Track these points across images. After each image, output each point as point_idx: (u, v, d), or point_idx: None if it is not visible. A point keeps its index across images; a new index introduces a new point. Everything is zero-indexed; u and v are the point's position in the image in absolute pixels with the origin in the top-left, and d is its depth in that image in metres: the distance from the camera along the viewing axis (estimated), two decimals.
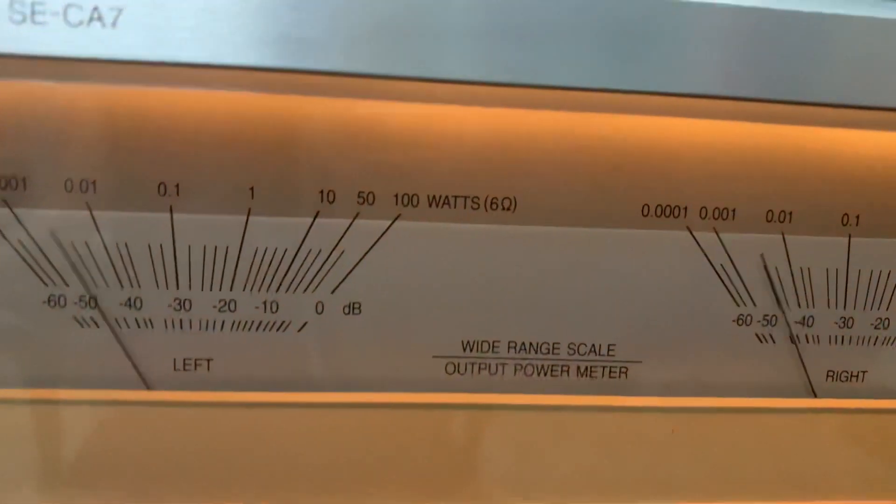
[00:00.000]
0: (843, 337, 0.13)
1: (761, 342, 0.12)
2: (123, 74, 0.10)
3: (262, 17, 0.09)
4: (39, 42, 0.09)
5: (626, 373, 0.12)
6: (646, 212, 0.12)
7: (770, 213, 0.12)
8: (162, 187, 0.11)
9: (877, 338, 0.13)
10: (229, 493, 0.11)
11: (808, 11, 0.10)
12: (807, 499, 0.13)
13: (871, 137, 0.12)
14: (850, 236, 0.12)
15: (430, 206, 0.11)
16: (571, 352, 0.12)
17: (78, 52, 0.09)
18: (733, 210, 0.12)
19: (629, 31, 0.10)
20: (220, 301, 0.11)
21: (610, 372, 0.12)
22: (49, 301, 0.11)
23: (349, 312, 0.11)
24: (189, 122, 0.11)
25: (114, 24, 0.09)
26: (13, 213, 0.11)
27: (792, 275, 0.12)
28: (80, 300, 0.11)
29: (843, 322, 0.13)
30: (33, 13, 0.09)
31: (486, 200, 0.11)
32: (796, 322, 0.12)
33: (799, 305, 0.12)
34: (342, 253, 0.11)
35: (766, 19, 0.10)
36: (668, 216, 0.12)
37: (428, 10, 0.09)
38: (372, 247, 0.11)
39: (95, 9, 0.09)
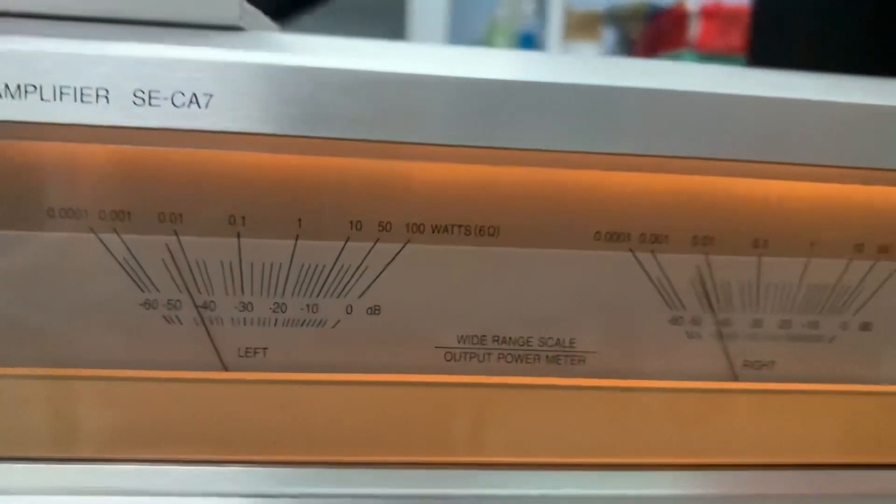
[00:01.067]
0: (755, 334, 0.16)
1: (691, 338, 0.16)
2: (210, 142, 0.13)
3: (312, 105, 0.13)
4: (154, 118, 0.13)
5: (583, 360, 0.16)
6: (598, 237, 0.15)
7: (696, 238, 0.15)
8: (232, 219, 0.14)
9: (782, 335, 0.16)
10: (280, 446, 0.15)
11: (718, 93, 0.14)
12: (727, 455, 0.16)
13: (775, 184, 0.15)
14: (759, 256, 0.16)
15: (433, 232, 0.15)
16: (542, 344, 0.15)
17: (181, 125, 0.13)
18: (666, 236, 0.15)
19: (587, 111, 0.13)
20: (273, 304, 0.15)
21: (571, 360, 0.16)
22: (144, 304, 0.15)
23: (371, 313, 0.15)
24: (252, 170, 0.14)
25: (207, 105, 0.13)
26: (120, 238, 0.14)
27: (715, 286, 0.16)
28: (171, 304, 0.14)
29: (756, 323, 0.16)
30: (150, 98, 0.13)
31: (475, 228, 0.15)
32: (720, 322, 0.16)
33: (720, 309, 0.16)
34: (366, 268, 0.15)
35: (680, 100, 0.13)
36: (616, 241, 0.15)
37: (415, 99, 0.13)
38: (388, 264, 0.15)
39: (194, 94, 0.13)
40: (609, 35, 2.10)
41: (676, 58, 1.91)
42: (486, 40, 1.91)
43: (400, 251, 0.15)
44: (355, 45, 0.15)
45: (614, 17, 2.06)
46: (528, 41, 1.89)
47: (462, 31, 2.10)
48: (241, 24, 0.15)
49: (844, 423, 0.17)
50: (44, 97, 0.12)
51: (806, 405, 0.17)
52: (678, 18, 1.94)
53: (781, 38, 0.40)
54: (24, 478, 0.14)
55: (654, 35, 2.04)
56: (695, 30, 1.87)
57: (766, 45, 0.43)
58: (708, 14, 1.85)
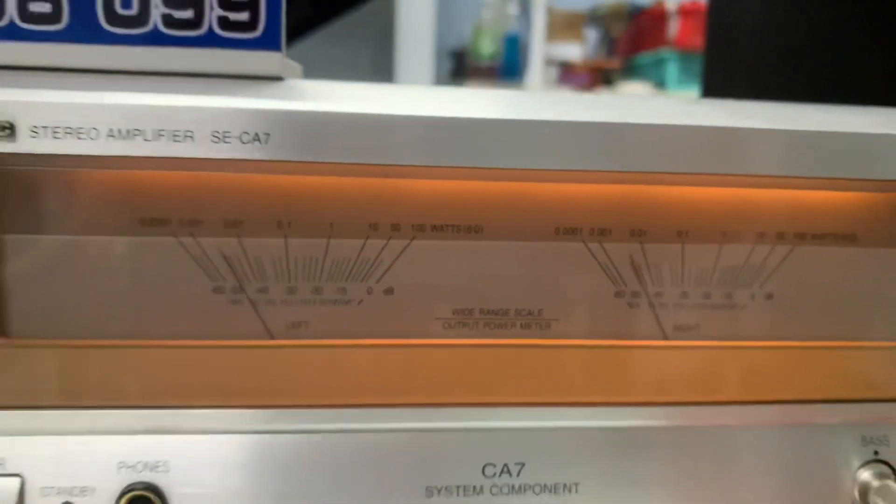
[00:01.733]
0: (683, 304, 0.21)
1: (631, 308, 0.21)
2: (267, 168, 0.18)
3: (336, 139, 0.17)
4: (227, 152, 0.17)
5: (549, 326, 0.20)
6: (557, 232, 0.20)
7: (632, 231, 0.20)
8: (280, 223, 0.19)
9: (704, 304, 0.21)
10: (316, 394, 0.20)
11: (638, 123, 0.19)
12: (660, 396, 0.21)
13: (692, 189, 0.20)
14: (682, 244, 0.21)
15: (432, 231, 0.19)
16: (517, 314, 0.20)
17: (247, 157, 0.17)
18: (609, 230, 0.20)
19: (546, 140, 0.18)
20: (313, 288, 0.19)
21: (539, 325, 0.20)
22: (214, 290, 0.19)
23: (386, 294, 0.20)
24: (295, 188, 0.19)
25: (266, 142, 0.17)
26: (196, 240, 0.19)
27: (648, 267, 0.21)
28: (234, 290, 0.19)
29: (683, 295, 0.21)
30: (225, 136, 0.17)
31: (464, 227, 0.20)
32: (653, 295, 0.21)
33: (653, 285, 0.21)
34: (382, 260, 0.19)
35: (608, 128, 0.18)
36: (571, 235, 0.20)
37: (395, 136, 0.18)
38: (399, 256, 0.20)
39: (256, 133, 0.17)
40: (591, 35, 2.15)
41: (657, 56, 1.96)
42: (472, 42, 1.96)
43: (407, 246, 0.20)
44: (366, 90, 0.20)
45: (596, 17, 2.12)
46: (513, 43, 1.94)
47: (448, 35, 2.14)
48: (281, 75, 0.20)
49: (753, 371, 0.21)
50: (146, 139, 0.17)
51: (724, 359, 0.21)
52: (658, 17, 2.00)
53: (731, 39, 0.44)
54: (120, 420, 0.19)
55: (634, 34, 2.10)
56: (674, 28, 1.93)
57: (718, 46, 0.48)
58: (686, 13, 1.91)
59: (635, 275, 0.21)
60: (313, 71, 0.25)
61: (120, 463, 0.18)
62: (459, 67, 2.06)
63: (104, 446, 0.18)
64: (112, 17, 0.18)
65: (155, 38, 0.19)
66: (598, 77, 1.91)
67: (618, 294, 0.21)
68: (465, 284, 0.20)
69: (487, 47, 1.93)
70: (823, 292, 0.21)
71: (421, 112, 0.18)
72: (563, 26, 2.00)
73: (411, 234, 0.20)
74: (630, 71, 2.03)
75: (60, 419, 0.18)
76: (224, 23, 0.19)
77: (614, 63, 2.03)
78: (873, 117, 0.21)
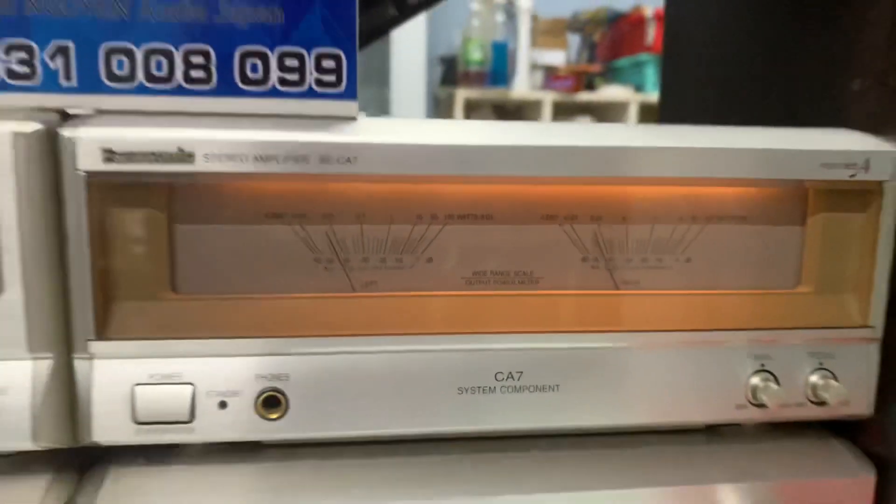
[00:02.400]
0: (628, 266, 0.31)
1: (594, 269, 0.30)
2: (353, 178, 0.27)
3: (394, 160, 0.27)
4: (330, 169, 0.27)
5: (537, 281, 0.30)
6: (543, 218, 0.30)
7: (592, 217, 0.30)
8: (358, 216, 0.28)
9: (643, 266, 0.31)
10: (383, 327, 0.29)
11: (591, 146, 0.28)
12: (613, 327, 0.30)
13: (632, 188, 0.30)
14: (626, 225, 0.30)
15: (458, 219, 0.29)
16: (515, 274, 0.30)
17: (342, 171, 0.27)
18: (577, 216, 0.30)
19: (531, 158, 0.28)
20: (380, 258, 0.29)
21: (531, 281, 0.30)
22: (314, 260, 0.29)
23: (427, 262, 0.29)
24: (371, 192, 0.28)
25: (354, 161, 0.27)
26: (303, 227, 0.28)
27: (604, 242, 0.30)
28: (326, 259, 0.29)
29: (628, 260, 0.31)
30: (328, 159, 0.27)
31: (479, 216, 0.29)
32: (608, 260, 0.31)
33: (608, 253, 0.30)
34: (425, 239, 0.29)
35: (574, 151, 0.28)
36: (551, 220, 0.30)
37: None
38: (436, 236, 0.29)
39: (348, 158, 0.27)
40: (574, 40, 2.26)
41: (637, 62, 2.07)
42: (461, 49, 2.06)
43: (441, 230, 0.29)
44: (410, 124, 0.30)
45: (578, 24, 2.22)
46: (501, 50, 2.04)
47: (439, 42, 2.24)
48: (356, 116, 0.29)
49: (681, 309, 0.31)
50: (278, 161, 0.26)
51: (657, 302, 0.31)
52: (636, 23, 2.11)
53: (687, 42, 0.54)
54: (256, 346, 0.28)
55: (614, 39, 2.20)
56: (652, 34, 2.04)
57: (671, 53, 0.58)
58: (663, 19, 2.02)
59: (596, 246, 0.30)
60: None
61: (257, 375, 0.28)
62: (450, 73, 2.16)
63: (246, 363, 0.28)
64: (245, 79, 0.28)
65: (273, 93, 0.28)
66: (580, 81, 2.02)
67: (583, 259, 0.30)
68: (480, 254, 0.30)
69: (476, 54, 2.03)
70: (724, 256, 0.31)
71: (448, 142, 0.28)
72: (546, 33, 2.11)
73: (444, 221, 0.29)
74: (610, 74, 2.13)
75: (216, 345, 0.28)
76: (319, 82, 0.28)
77: (595, 67, 2.13)
78: (759, 136, 0.31)
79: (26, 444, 0.27)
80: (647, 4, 2.09)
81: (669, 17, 0.59)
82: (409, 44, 2.27)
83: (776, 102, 0.40)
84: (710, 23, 0.50)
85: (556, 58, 2.10)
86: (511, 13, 2.15)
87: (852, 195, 0.31)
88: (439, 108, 2.25)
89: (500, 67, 2.05)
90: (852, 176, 0.30)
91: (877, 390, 0.32)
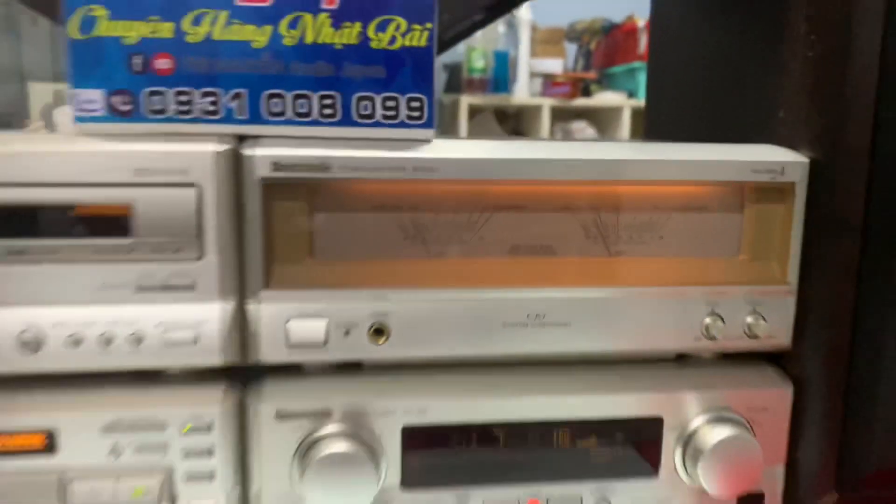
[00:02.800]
0: (618, 240, 0.44)
1: (594, 244, 0.44)
2: (435, 181, 0.41)
3: (454, 167, 0.41)
4: (419, 176, 0.40)
5: (555, 252, 0.43)
6: (559, 208, 0.43)
7: (593, 208, 0.43)
8: (434, 208, 0.42)
9: (629, 241, 0.44)
10: (453, 282, 0.42)
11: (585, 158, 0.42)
12: (609, 283, 0.44)
13: (622, 188, 0.43)
14: (617, 214, 0.44)
15: (501, 209, 0.43)
16: (541, 247, 0.43)
17: (427, 178, 0.40)
18: (582, 207, 0.43)
19: (539, 167, 0.41)
20: (448, 235, 0.42)
21: (551, 251, 0.43)
22: (404, 238, 0.42)
23: (480, 239, 0.43)
24: (445, 188, 0.42)
25: (436, 171, 0.40)
26: (398, 215, 0.42)
27: (602, 225, 0.44)
28: (413, 236, 0.42)
29: (617, 237, 0.44)
30: (419, 170, 0.40)
31: (517, 206, 0.43)
32: (604, 237, 0.44)
33: (604, 232, 0.44)
34: (479, 223, 0.42)
35: (578, 163, 0.42)
36: (565, 209, 0.43)
37: None
38: (486, 221, 0.43)
39: (430, 167, 0.40)
40: (571, 49, 2.40)
41: (630, 69, 2.21)
42: (465, 58, 2.20)
43: (490, 216, 0.43)
44: (469, 144, 0.43)
45: (574, 33, 2.36)
46: (502, 58, 2.18)
47: (444, 53, 2.38)
48: (432, 139, 0.42)
49: (655, 271, 0.45)
50: (382, 170, 0.40)
51: (639, 265, 0.45)
52: (630, 33, 2.25)
53: (673, 52, 0.67)
54: (368, 294, 0.42)
55: (609, 48, 2.34)
56: (644, 43, 2.17)
57: (655, 63, 0.71)
58: None
59: (595, 227, 0.44)
60: None
61: (368, 313, 0.41)
62: (454, 80, 2.29)
63: (363, 304, 0.41)
64: (360, 115, 0.41)
65: (378, 124, 0.41)
66: (577, 87, 2.16)
67: (587, 237, 0.44)
68: (518, 234, 0.43)
69: (479, 62, 2.17)
70: (686, 234, 0.45)
71: (496, 156, 0.41)
72: (545, 42, 2.24)
73: (492, 210, 0.43)
74: (605, 81, 2.27)
75: (342, 294, 0.41)
76: (409, 117, 0.41)
77: (591, 74, 2.27)
78: (712, 150, 0.45)
79: (215, 360, 0.40)
80: (640, 15, 2.23)
81: (653, 32, 0.72)
82: None
83: (734, 118, 0.54)
84: (688, 39, 0.63)
85: (554, 66, 2.24)
86: (512, 24, 2.29)
87: (774, 191, 0.45)
88: (444, 113, 2.39)
89: (501, 75, 2.19)
90: (773, 178, 0.44)
91: (793, 328, 0.45)
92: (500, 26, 2.21)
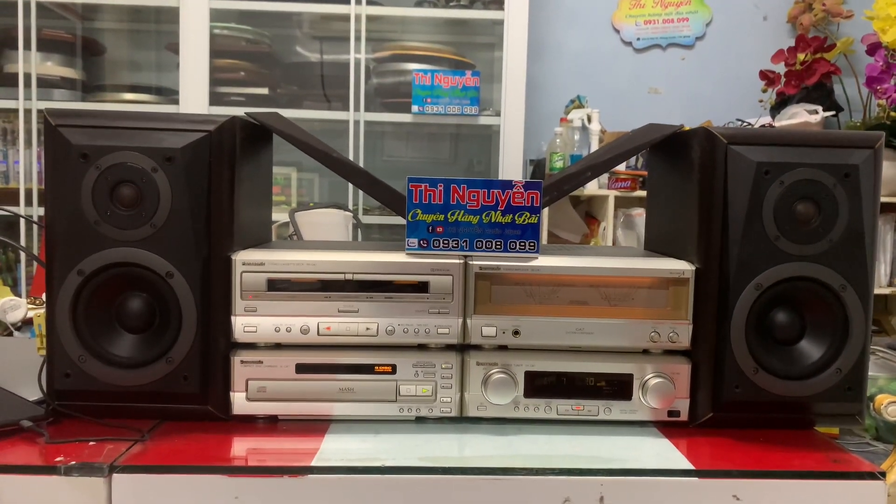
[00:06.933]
0: (613, 299, 1.07)
1: (603, 299, 1.07)
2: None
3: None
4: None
5: (587, 302, 1.07)
6: (587, 284, 1.07)
7: (589, 285, 1.07)
8: (537, 288, 1.07)
9: (619, 301, 1.07)
10: (545, 313, 1.06)
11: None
12: (599, 317, 1.06)
13: (604, 279, 1.07)
14: (598, 288, 1.07)
15: (553, 287, 1.07)
16: (571, 300, 1.07)
17: None
18: (580, 285, 1.07)
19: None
20: (541, 297, 1.07)
21: (584, 303, 1.07)
22: (527, 295, 1.07)
23: (556, 296, 1.07)
24: (538, 280, 1.06)
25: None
26: (520, 288, 1.07)
27: (595, 292, 1.07)
28: (531, 294, 1.07)
29: (601, 298, 1.07)
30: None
31: (565, 283, 1.07)
32: (609, 298, 1.07)
33: (604, 296, 1.07)
34: (553, 291, 1.07)
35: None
36: (591, 285, 1.07)
37: None
38: (555, 293, 1.07)
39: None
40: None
41: None
42: (547, 159, 2.86)
43: (559, 288, 1.07)
44: (554, 256, 1.07)
45: None
46: (576, 160, 2.83)
47: (531, 148, 3.07)
48: (538, 257, 1.07)
49: (633, 312, 1.07)
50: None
51: (625, 310, 1.07)
52: None
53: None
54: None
55: None
56: None
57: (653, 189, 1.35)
58: None
59: (603, 294, 1.08)
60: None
61: (512, 325, 1.06)
62: (538, 173, 2.96)
63: (510, 321, 1.06)
64: (511, 249, 1.07)
65: (517, 251, 1.07)
66: (636, 182, 2.78)
67: (601, 297, 1.08)
68: (571, 294, 1.07)
69: (558, 163, 2.83)
70: (646, 298, 1.08)
71: (555, 264, 1.06)
72: None
73: (560, 285, 1.07)
74: None
75: (508, 318, 1.06)
76: (529, 248, 1.07)
77: (647, 172, 2.89)
78: (650, 260, 1.07)
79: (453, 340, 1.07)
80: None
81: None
82: (511, 149, 3.10)
83: (677, 237, 1.17)
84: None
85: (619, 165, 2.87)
86: (585, 128, 2.95)
87: (682, 280, 1.07)
88: None
89: None
90: (681, 276, 1.07)
91: (690, 339, 1.07)
92: (576, 134, 2.88)
